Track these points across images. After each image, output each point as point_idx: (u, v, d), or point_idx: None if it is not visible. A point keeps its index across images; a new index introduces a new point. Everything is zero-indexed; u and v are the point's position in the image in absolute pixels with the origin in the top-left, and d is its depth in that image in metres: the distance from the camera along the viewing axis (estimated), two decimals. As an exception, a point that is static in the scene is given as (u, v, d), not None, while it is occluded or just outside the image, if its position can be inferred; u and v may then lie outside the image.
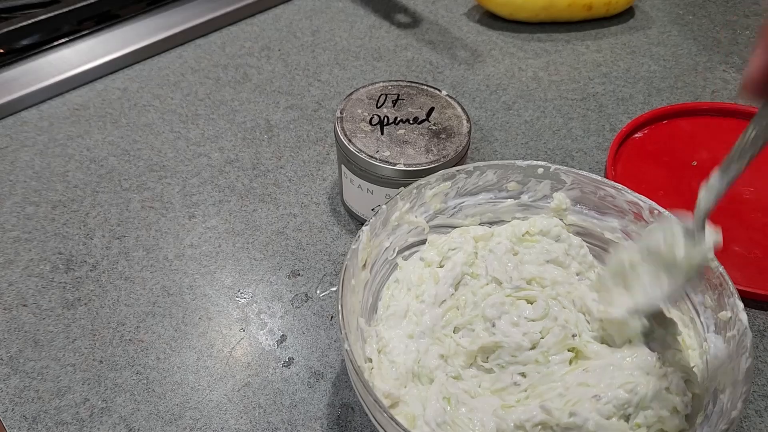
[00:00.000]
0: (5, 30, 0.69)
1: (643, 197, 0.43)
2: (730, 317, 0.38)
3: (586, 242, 0.47)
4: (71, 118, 0.65)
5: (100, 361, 0.47)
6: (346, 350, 0.35)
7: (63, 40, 0.71)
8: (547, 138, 0.64)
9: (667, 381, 0.37)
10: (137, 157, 0.62)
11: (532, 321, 0.41)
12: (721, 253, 0.53)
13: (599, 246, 0.47)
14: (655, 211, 0.43)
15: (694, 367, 0.39)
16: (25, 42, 0.71)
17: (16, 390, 0.45)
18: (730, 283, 0.39)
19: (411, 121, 0.52)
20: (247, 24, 0.78)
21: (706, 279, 0.40)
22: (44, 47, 0.71)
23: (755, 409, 0.45)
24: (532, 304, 0.42)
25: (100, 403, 0.45)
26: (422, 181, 0.45)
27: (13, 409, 0.44)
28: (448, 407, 0.36)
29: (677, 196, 0.57)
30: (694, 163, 0.60)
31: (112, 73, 0.71)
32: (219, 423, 0.44)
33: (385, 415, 0.33)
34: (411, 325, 0.41)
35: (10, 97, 0.66)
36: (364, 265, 0.42)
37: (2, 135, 0.63)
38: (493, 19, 0.79)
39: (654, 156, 0.61)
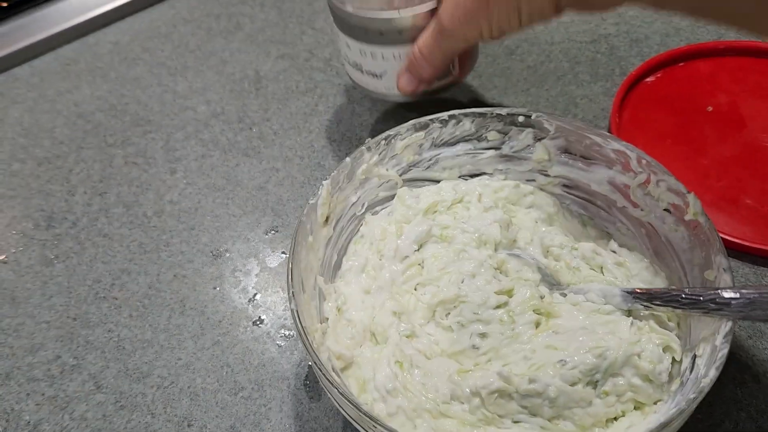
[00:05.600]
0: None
1: (630, 146, 0.40)
2: (715, 277, 0.34)
3: (573, 195, 0.44)
4: (62, 74, 0.65)
5: (74, 319, 0.47)
6: (292, 310, 0.34)
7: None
8: (550, 84, 0.60)
9: (640, 347, 0.34)
10: (123, 112, 0.60)
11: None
12: (730, 206, 0.49)
13: (586, 199, 0.44)
14: (643, 161, 0.39)
15: (676, 331, 0.36)
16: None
17: (-10, 346, 0.46)
18: (718, 239, 0.35)
19: None
20: (243, -29, 0.75)
21: (694, 234, 0.37)
22: (39, 1, 0.70)
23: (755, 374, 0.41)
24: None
25: (71, 360, 0.45)
26: (392, 131, 0.42)
27: (-14, 365, 0.45)
28: (400, 371, 0.34)
29: (686, 144, 0.52)
30: (710, 108, 0.55)
31: (105, 26, 0.69)
32: (186, 381, 0.43)
33: (327, 380, 0.31)
34: (369, 280, 0.39)
35: (2, 53, 0.65)
36: (326, 220, 0.40)
37: (-7, 92, 0.63)
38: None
39: (666, 101, 0.56)
